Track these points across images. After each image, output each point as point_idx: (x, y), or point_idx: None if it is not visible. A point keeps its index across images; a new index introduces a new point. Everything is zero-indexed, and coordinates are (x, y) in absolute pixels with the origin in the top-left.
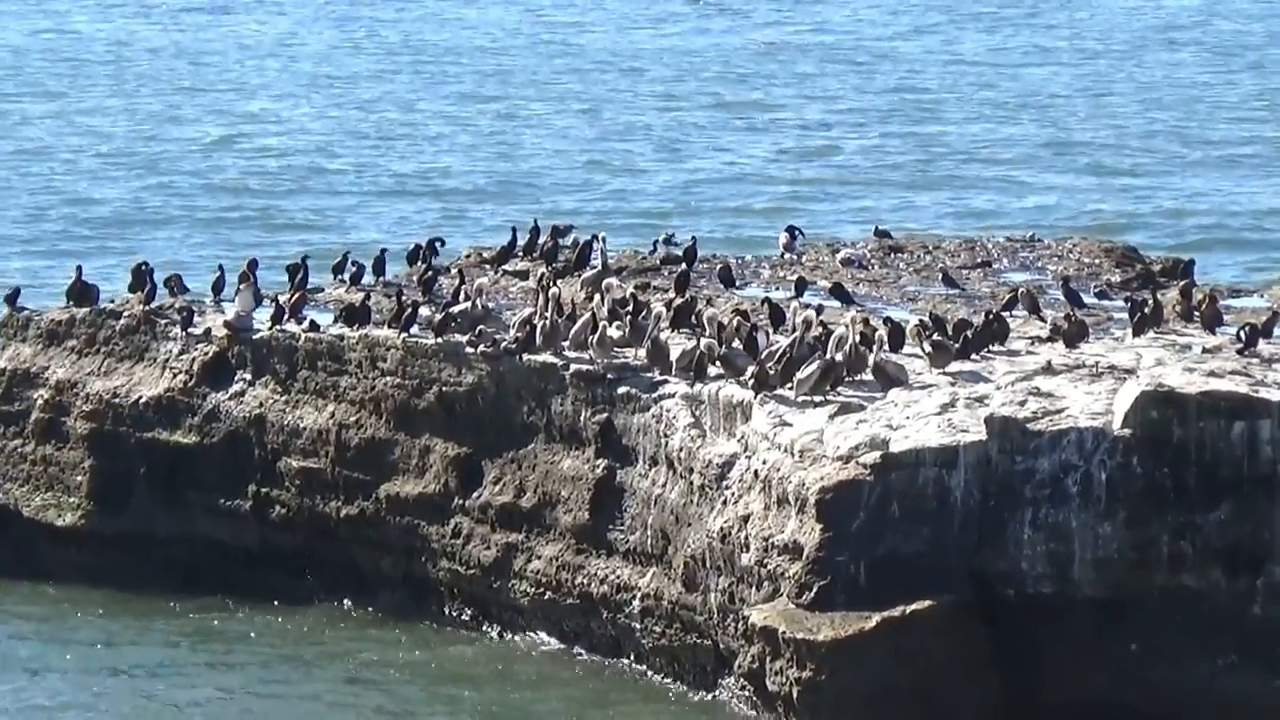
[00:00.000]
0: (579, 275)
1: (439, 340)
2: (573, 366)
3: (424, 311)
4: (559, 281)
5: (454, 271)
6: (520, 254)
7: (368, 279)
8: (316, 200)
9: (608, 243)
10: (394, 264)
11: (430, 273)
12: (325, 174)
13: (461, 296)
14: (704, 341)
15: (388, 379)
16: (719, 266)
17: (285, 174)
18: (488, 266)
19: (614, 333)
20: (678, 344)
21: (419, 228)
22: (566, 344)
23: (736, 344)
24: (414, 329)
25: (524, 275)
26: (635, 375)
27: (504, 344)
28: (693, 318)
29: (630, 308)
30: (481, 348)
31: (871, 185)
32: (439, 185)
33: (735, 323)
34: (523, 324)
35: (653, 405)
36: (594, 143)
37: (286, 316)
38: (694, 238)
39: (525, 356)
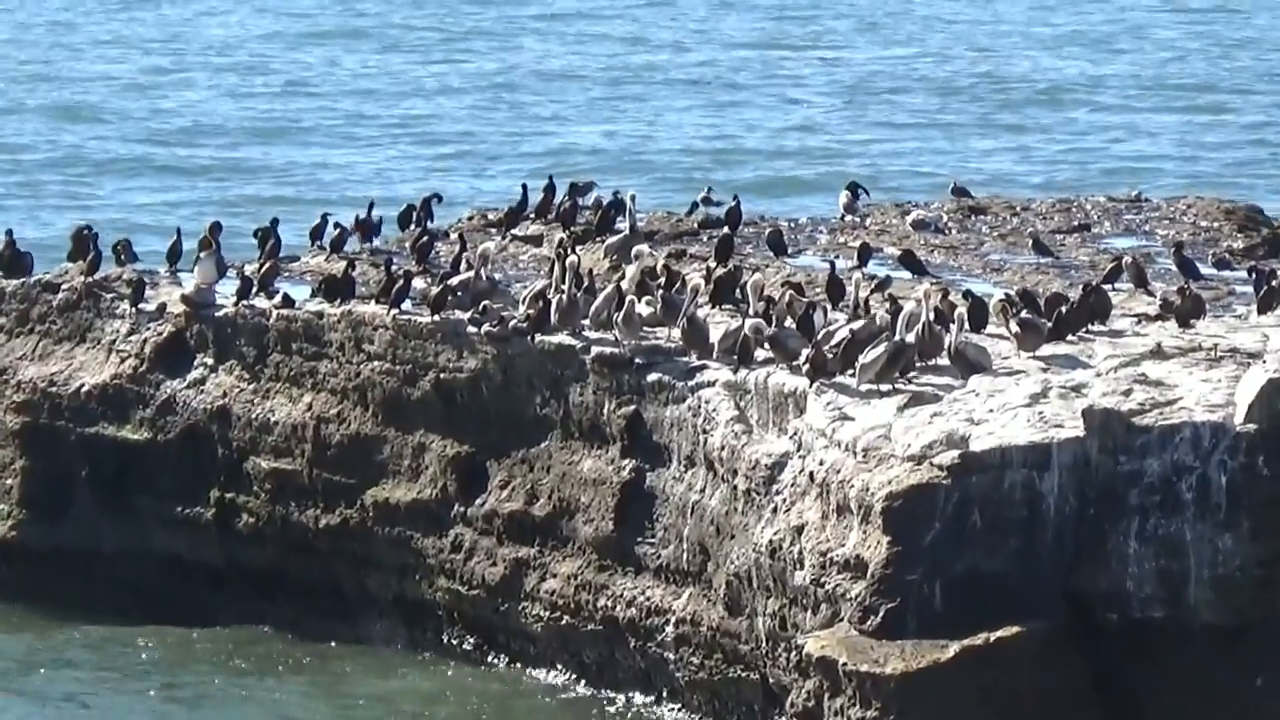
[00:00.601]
0: (602, 241)
1: (436, 318)
2: (594, 349)
3: (418, 284)
4: (578, 248)
5: (453, 236)
6: (532, 215)
7: (351, 245)
8: (289, 150)
9: (636, 202)
10: (383, 227)
11: (426, 238)
12: (299, 119)
13: (462, 266)
14: (750, 320)
15: (375, 364)
16: (768, 231)
17: (252, 118)
18: (493, 230)
19: (643, 309)
20: (719, 323)
21: (411, 184)
22: (587, 322)
23: (789, 323)
24: (406, 304)
25: (537, 241)
26: (668, 360)
27: (513, 322)
28: (737, 291)
29: (663, 280)
30: (486, 327)
31: (944, 134)
32: (434, 133)
33: (787, 297)
34: (535, 299)
35: (689, 395)
36: (617, 85)
37: (255, 290)
38: (737, 197)
39: (538, 337)
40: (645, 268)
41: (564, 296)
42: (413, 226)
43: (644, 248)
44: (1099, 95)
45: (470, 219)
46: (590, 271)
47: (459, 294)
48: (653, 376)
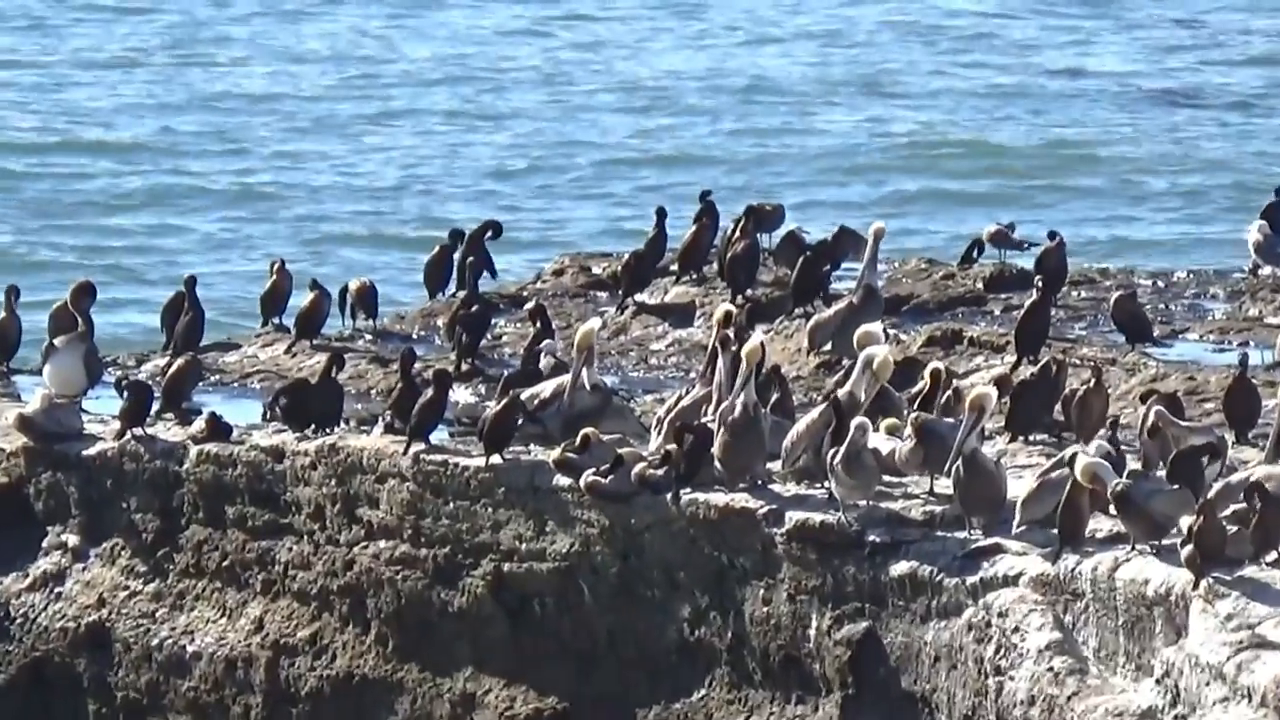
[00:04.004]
0: (806, 315)
1: (496, 459)
2: (791, 516)
3: (462, 395)
4: (759, 327)
5: (527, 305)
6: (676, 265)
7: (335, 325)
8: (227, 155)
9: (880, 241)
10: (393, 289)
11: (475, 306)
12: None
13: (544, 361)
14: (1082, 459)
15: (382, 545)
16: (1116, 295)
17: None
18: (602, 294)
19: (882, 441)
20: (1024, 467)
21: (439, 214)
22: (776, 467)
23: (1157, 469)
24: (440, 434)
25: (683, 313)
26: (928, 537)
27: (639, 467)
28: (1058, 408)
29: (921, 388)
30: (591, 476)
31: None
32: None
33: (1151, 418)
34: (680, 427)
35: (969, 603)
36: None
37: (159, 407)
38: (1056, 234)
39: (686, 494)
40: (879, 364)
41: (734, 416)
42: (452, 288)
43: (879, 328)
44: None
45: (557, 272)
46: (778, 372)
47: (538, 415)
48: (900, 568)
